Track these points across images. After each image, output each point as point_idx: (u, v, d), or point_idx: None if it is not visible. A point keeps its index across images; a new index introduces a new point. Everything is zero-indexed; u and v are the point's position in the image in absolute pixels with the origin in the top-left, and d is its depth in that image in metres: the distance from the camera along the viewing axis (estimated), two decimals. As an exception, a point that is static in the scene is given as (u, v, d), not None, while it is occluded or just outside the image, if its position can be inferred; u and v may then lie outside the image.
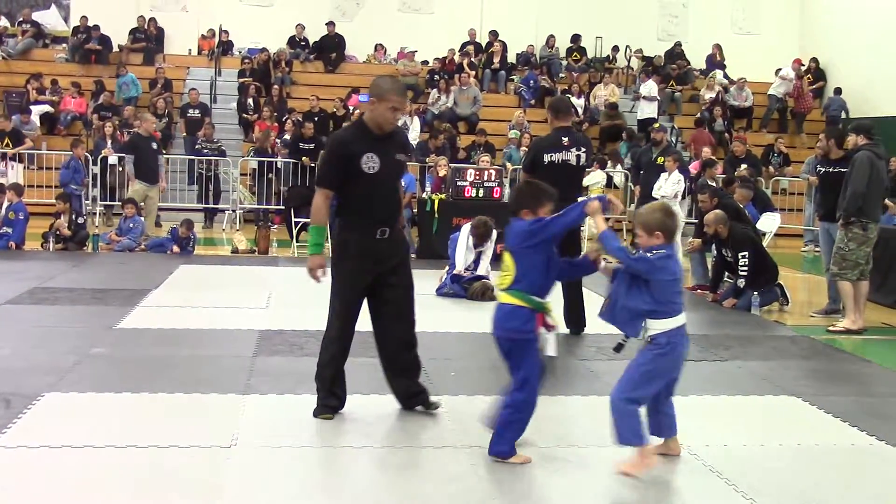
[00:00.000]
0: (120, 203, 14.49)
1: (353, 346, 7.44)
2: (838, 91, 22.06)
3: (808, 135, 21.13)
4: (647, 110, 20.72)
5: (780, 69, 22.15)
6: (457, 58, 22.00)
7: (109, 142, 16.61)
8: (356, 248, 5.48)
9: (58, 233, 12.70)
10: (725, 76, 22.48)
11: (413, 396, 5.75)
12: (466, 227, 10.32)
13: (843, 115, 21.26)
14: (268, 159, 17.00)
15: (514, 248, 4.88)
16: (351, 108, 19.66)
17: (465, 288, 9.85)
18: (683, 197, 13.21)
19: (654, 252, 4.66)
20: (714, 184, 12.49)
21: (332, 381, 5.63)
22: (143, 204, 13.65)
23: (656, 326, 4.70)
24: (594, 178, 15.87)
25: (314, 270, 5.53)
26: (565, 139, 8.06)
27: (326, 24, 22.56)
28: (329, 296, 5.62)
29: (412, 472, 4.79)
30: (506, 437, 4.88)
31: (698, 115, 20.76)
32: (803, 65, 22.77)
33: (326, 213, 5.64)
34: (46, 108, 19.16)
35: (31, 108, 18.77)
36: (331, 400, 5.62)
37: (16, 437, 5.00)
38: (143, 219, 13.71)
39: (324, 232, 5.70)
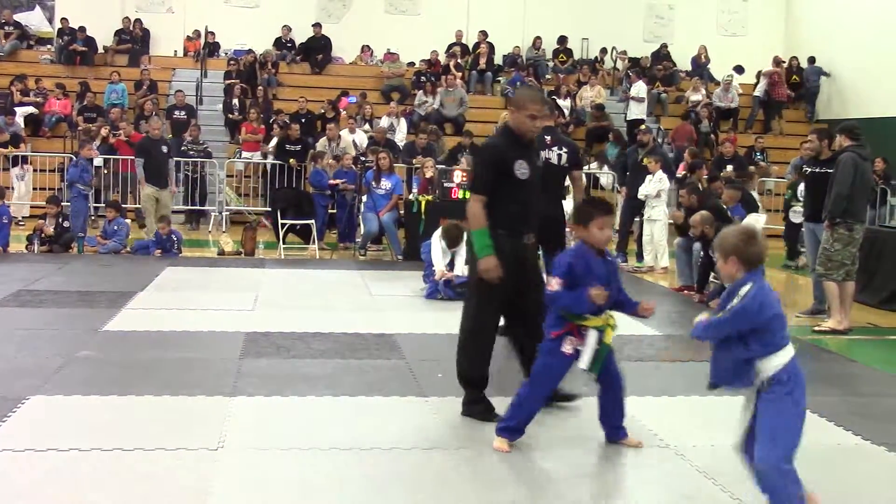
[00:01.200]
0: (104, 205, 14.44)
1: (333, 346, 7.46)
2: (812, 60, 22.40)
3: (789, 136, 21.20)
4: (636, 111, 20.78)
5: (759, 71, 22.23)
6: (443, 59, 22.01)
7: (96, 144, 16.54)
8: (512, 254, 5.58)
9: (42, 235, 12.64)
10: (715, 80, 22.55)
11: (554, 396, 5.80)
12: (438, 232, 10.32)
13: (820, 80, 22.09)
14: (255, 161, 17.00)
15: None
16: (341, 109, 19.64)
17: (459, 293, 9.80)
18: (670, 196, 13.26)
19: (740, 294, 4.14)
20: (700, 185, 12.50)
21: (480, 382, 5.85)
22: (147, 206, 13.65)
23: (772, 364, 4.17)
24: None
25: (490, 271, 5.53)
26: (547, 138, 8.09)
27: (313, 25, 22.55)
28: (467, 297, 5.92)
29: (401, 473, 4.78)
30: (507, 419, 5.16)
31: (684, 113, 20.87)
32: (783, 61, 22.84)
33: (485, 218, 5.66)
34: (31, 109, 19.07)
35: (16, 109, 18.68)
36: (483, 408, 5.77)
37: (1, 440, 4.98)
38: (127, 221, 13.67)
39: (488, 233, 5.67)
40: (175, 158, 15.33)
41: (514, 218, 5.63)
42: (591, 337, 5.04)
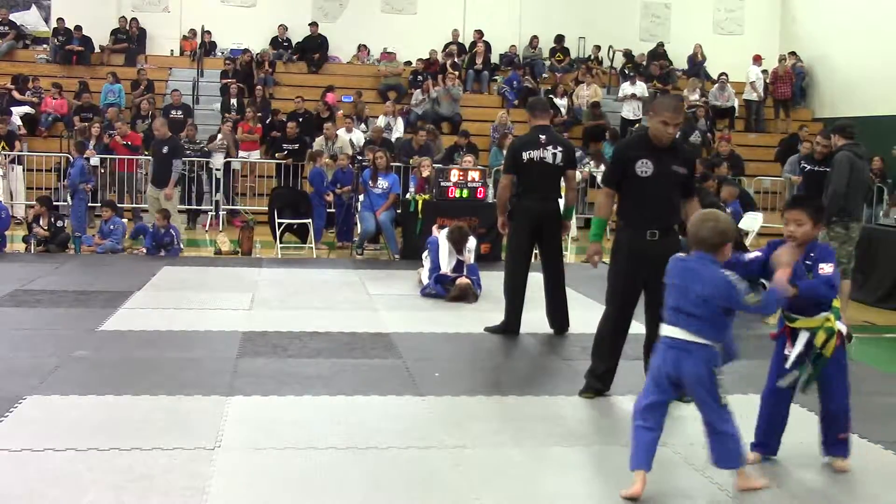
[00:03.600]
0: (101, 205, 14.44)
1: (330, 346, 7.47)
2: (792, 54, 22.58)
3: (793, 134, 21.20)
4: (635, 110, 20.79)
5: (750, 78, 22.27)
6: (440, 58, 22.00)
7: (92, 143, 16.52)
8: (627, 247, 6.16)
9: (37, 236, 12.62)
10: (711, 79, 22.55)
11: None
12: (444, 234, 10.30)
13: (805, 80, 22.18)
14: (252, 160, 17.02)
15: None
16: (332, 105, 19.61)
17: (447, 289, 9.81)
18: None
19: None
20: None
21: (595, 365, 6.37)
22: (149, 207, 13.65)
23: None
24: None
25: (592, 256, 6.59)
26: (542, 137, 8.10)
27: (310, 24, 22.52)
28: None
29: (398, 472, 4.78)
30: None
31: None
32: (786, 57, 22.89)
33: (609, 208, 6.42)
34: (26, 108, 19.04)
35: (12, 109, 18.66)
36: (595, 383, 6.31)
37: (-3, 440, 4.98)
38: (124, 221, 13.67)
39: (604, 224, 6.53)
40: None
41: (633, 212, 6.17)
42: (800, 340, 4.99)
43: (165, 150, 13.93)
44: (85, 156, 15.55)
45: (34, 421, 5.38)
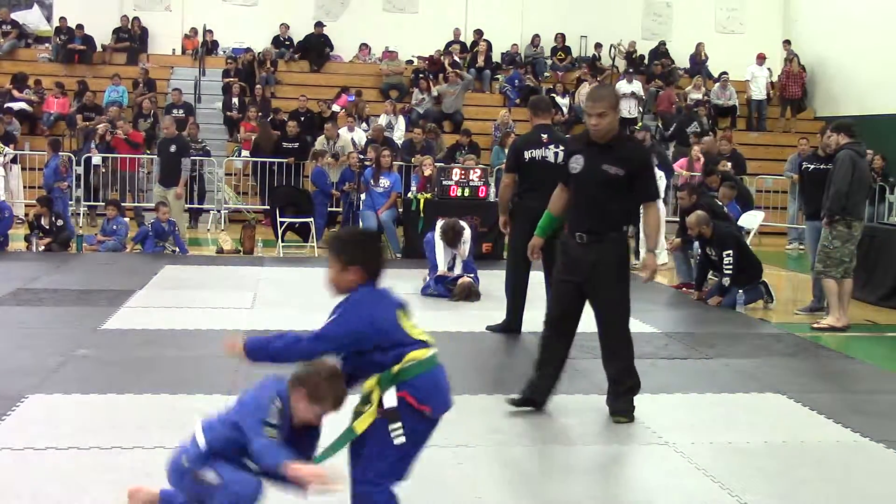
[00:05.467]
0: (103, 204, 14.47)
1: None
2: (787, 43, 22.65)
3: (796, 133, 21.19)
4: (633, 109, 20.79)
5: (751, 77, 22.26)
6: (443, 58, 21.98)
7: (94, 143, 16.54)
8: (563, 250, 5.85)
9: (39, 226, 12.62)
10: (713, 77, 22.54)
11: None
12: (438, 232, 10.30)
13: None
14: (254, 159, 17.03)
15: None
16: (338, 108, 19.63)
17: (449, 289, 9.84)
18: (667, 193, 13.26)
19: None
20: (714, 192, 12.37)
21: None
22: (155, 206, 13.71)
23: None
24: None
25: (529, 250, 6.39)
26: (544, 136, 8.10)
27: (315, 24, 22.47)
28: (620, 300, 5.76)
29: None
30: None
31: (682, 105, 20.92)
32: (794, 56, 22.94)
33: (557, 204, 5.99)
34: (22, 105, 19.02)
35: (10, 105, 18.66)
36: (526, 390, 5.90)
37: (1, 439, 4.98)
38: (126, 220, 13.68)
39: (552, 218, 6.11)
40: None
41: (569, 212, 5.91)
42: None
43: (173, 148, 13.92)
44: (87, 154, 15.62)
45: (36, 419, 5.39)
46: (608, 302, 5.70)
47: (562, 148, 8.12)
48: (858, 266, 9.30)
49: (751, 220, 12.97)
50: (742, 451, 5.22)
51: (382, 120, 18.76)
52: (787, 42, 23.23)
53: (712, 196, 11.64)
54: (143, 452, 4.81)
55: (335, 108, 19.51)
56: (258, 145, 17.25)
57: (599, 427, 5.61)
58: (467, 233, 10.17)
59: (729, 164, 15.65)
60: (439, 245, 10.15)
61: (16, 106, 18.88)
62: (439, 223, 10.36)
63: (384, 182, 13.61)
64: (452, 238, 10.03)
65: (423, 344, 3.76)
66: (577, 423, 5.72)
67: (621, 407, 5.71)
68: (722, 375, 6.96)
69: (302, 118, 18.41)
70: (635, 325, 8.67)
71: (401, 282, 10.75)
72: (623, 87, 20.94)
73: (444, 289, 9.85)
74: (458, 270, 10.05)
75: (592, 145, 5.64)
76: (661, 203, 13.00)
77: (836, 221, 8.89)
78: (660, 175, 12.87)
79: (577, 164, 5.67)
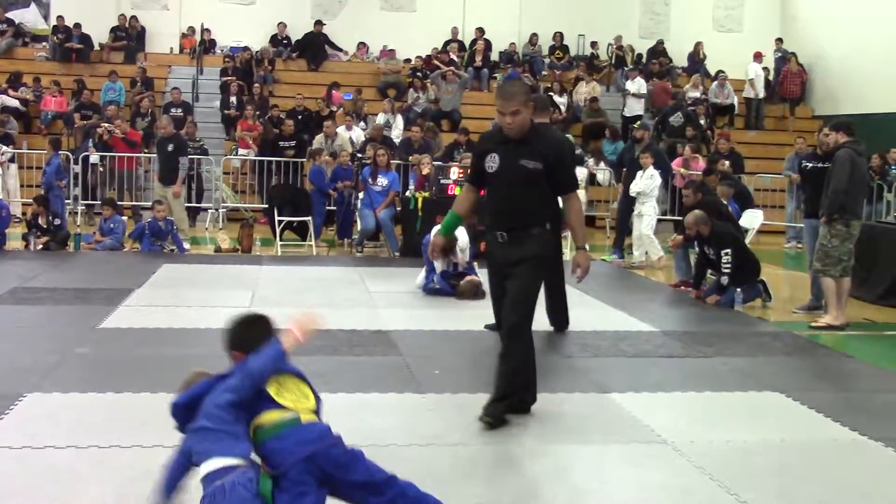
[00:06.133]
0: (101, 203, 14.47)
1: (330, 343, 7.46)
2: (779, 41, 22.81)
3: (794, 132, 21.21)
4: (634, 107, 20.84)
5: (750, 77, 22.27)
6: (434, 59, 21.99)
7: (93, 141, 16.54)
8: (490, 250, 5.68)
9: (38, 234, 12.60)
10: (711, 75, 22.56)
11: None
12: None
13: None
14: (252, 158, 17.04)
15: None
16: (335, 106, 19.62)
17: (453, 285, 9.83)
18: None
19: None
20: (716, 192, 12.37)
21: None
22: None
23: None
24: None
25: (430, 249, 6.27)
26: None
27: (315, 23, 22.47)
28: (526, 290, 5.50)
29: (396, 469, 4.77)
30: None
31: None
32: (779, 52, 22.98)
33: (464, 204, 5.92)
34: (14, 102, 19.00)
35: (6, 104, 18.66)
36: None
37: (-2, 437, 4.99)
38: (124, 219, 13.67)
39: (456, 218, 6.01)
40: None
41: (488, 211, 5.74)
42: None
43: (171, 147, 13.92)
44: (85, 153, 15.61)
45: (35, 418, 5.38)
46: (512, 293, 5.48)
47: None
48: (857, 265, 9.30)
49: (751, 220, 12.98)
50: (740, 450, 5.22)
51: (380, 119, 18.76)
52: (779, 40, 23.29)
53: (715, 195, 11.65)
54: (141, 451, 4.81)
55: (332, 107, 19.51)
56: (265, 142, 17.26)
57: (598, 425, 5.60)
58: (462, 240, 10.00)
59: (727, 162, 15.68)
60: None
61: (10, 103, 18.87)
62: (436, 228, 10.31)
63: (382, 181, 13.61)
64: (442, 255, 9.98)
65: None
66: (575, 422, 5.72)
67: (489, 409, 5.47)
68: (720, 374, 6.97)
69: (299, 117, 18.40)
70: (633, 324, 8.73)
71: (399, 280, 10.79)
72: (632, 86, 20.99)
73: (448, 285, 9.82)
74: (461, 268, 10.03)
75: (507, 142, 5.49)
76: (653, 201, 13.07)
77: (834, 220, 8.90)
78: (652, 174, 12.90)
79: (493, 162, 5.51)
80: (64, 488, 4.33)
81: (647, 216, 13.03)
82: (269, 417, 3.67)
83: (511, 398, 5.54)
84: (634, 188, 12.96)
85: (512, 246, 5.47)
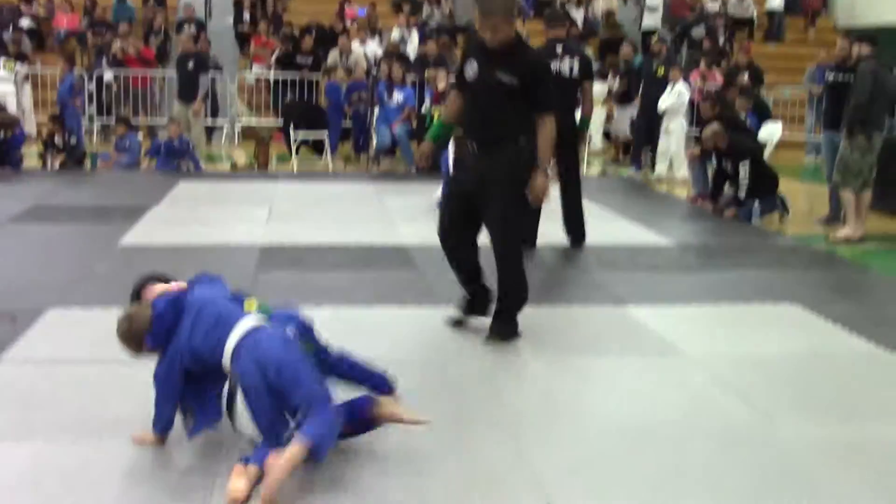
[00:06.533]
0: (115, 122, 14.44)
1: (347, 259, 7.47)
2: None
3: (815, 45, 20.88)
4: (650, 21, 20.49)
5: None
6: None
7: (105, 59, 16.44)
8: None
9: (55, 152, 12.60)
10: None
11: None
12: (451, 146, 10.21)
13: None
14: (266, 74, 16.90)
15: None
16: (349, 20, 19.40)
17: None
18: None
19: None
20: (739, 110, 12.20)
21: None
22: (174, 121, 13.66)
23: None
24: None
25: (418, 156, 6.19)
26: (559, 48, 8.01)
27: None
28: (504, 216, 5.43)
29: (416, 382, 4.83)
30: None
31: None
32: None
33: (451, 110, 5.74)
34: (27, 21, 18.84)
35: (20, 23, 18.51)
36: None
37: (22, 352, 5.05)
38: (139, 137, 13.64)
39: (444, 126, 6.03)
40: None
41: (464, 119, 5.64)
42: None
43: (191, 64, 13.82)
44: (98, 72, 15.53)
45: (57, 333, 5.45)
46: (491, 217, 5.43)
47: (577, 60, 8.04)
48: (876, 178, 9.23)
49: (770, 133, 12.85)
50: (757, 362, 5.24)
51: (395, 34, 18.54)
52: None
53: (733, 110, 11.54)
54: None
55: (348, 20, 19.28)
56: (285, 57, 17.08)
57: (614, 338, 5.63)
58: None
59: (746, 75, 15.48)
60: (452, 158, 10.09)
61: (24, 23, 18.72)
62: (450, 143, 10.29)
63: (397, 96, 13.52)
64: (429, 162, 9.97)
65: None
66: (591, 335, 5.75)
67: (493, 327, 5.50)
68: (737, 287, 6.97)
69: (313, 33, 18.20)
70: (650, 237, 8.73)
71: (416, 195, 10.78)
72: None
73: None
74: None
75: (487, 51, 5.33)
76: (681, 117, 12.91)
77: (856, 133, 8.81)
78: (681, 90, 12.75)
79: (471, 70, 5.40)
80: (88, 401, 4.39)
81: (675, 133, 12.92)
82: None
83: (513, 310, 5.55)
84: (662, 105, 12.83)
85: (483, 159, 5.38)
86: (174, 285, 4.21)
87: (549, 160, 5.54)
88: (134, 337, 3.88)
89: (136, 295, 4.25)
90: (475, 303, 5.69)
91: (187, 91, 13.78)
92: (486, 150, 5.37)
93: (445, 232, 5.60)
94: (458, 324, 5.70)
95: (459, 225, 5.55)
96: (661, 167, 13.12)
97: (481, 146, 5.40)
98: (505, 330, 5.49)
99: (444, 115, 5.88)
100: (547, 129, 5.35)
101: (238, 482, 3.44)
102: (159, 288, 4.21)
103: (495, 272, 5.55)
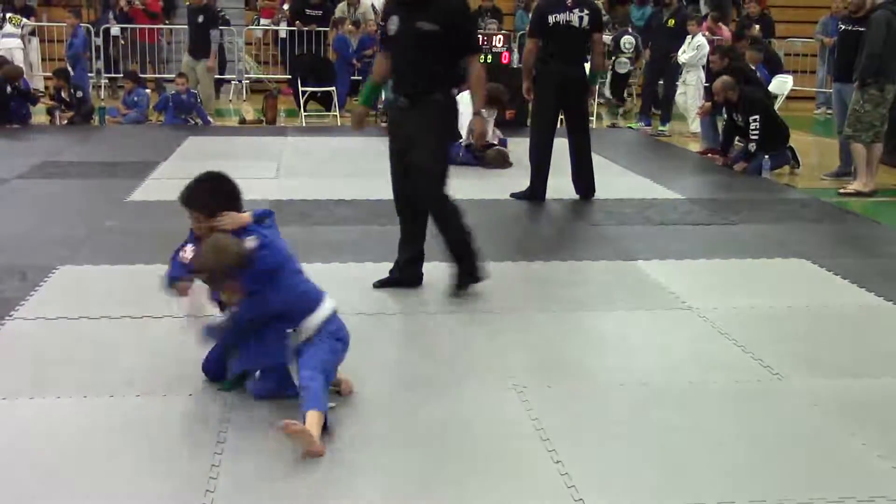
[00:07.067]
0: (122, 76, 14.41)
1: (355, 213, 7.47)
2: None
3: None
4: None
5: None
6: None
7: (112, 13, 16.34)
8: (390, 112, 5.64)
9: (63, 108, 12.57)
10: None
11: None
12: (466, 96, 10.17)
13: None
14: (274, 28, 16.78)
15: None
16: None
17: (478, 157, 9.81)
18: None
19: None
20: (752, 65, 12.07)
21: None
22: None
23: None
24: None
25: (354, 121, 6.10)
26: (569, 0, 7.94)
27: None
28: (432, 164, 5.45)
29: (425, 336, 4.86)
30: None
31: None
32: None
33: (381, 70, 5.69)
34: None
35: None
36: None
37: (34, 308, 5.08)
38: (147, 91, 13.60)
39: (375, 87, 5.98)
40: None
41: (391, 75, 5.58)
42: None
43: (201, 19, 13.74)
44: (105, 26, 15.44)
45: (67, 290, 5.47)
46: (417, 167, 5.43)
47: (587, 12, 7.98)
48: (888, 130, 9.16)
49: (781, 85, 12.76)
50: (765, 316, 5.25)
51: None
52: None
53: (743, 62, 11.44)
54: (173, 321, 4.87)
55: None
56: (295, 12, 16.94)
57: (623, 292, 5.64)
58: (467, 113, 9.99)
59: (757, 27, 15.33)
60: (465, 113, 10.05)
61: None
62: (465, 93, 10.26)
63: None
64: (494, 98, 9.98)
65: None
66: (600, 289, 5.76)
67: (455, 281, 5.51)
68: (746, 241, 6.96)
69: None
70: (659, 191, 8.71)
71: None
72: None
73: (473, 157, 9.80)
74: (491, 139, 10.00)
75: (407, 3, 5.30)
76: (699, 70, 12.79)
77: (868, 84, 8.73)
78: (700, 43, 12.62)
79: (392, 25, 5.36)
80: (99, 357, 4.42)
81: (692, 86, 12.81)
82: None
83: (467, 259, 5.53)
84: (682, 57, 12.70)
85: (412, 111, 5.37)
86: (247, 216, 4.13)
87: (483, 103, 5.60)
88: (223, 270, 3.84)
89: (209, 210, 4.20)
90: (401, 280, 5.66)
91: (198, 47, 13.70)
92: (416, 101, 5.35)
93: (398, 195, 5.67)
94: (387, 283, 5.63)
95: (403, 189, 5.61)
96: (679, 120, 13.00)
97: (412, 98, 5.37)
98: (462, 283, 5.49)
99: (375, 75, 5.80)
100: (477, 71, 5.39)
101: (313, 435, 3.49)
102: (241, 219, 4.11)
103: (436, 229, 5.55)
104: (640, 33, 16.08)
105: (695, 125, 12.72)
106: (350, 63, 14.43)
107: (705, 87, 12.33)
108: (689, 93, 12.84)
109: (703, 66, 12.82)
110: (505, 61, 12.98)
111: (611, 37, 15.38)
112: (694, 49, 12.62)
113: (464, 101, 10.14)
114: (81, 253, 6.22)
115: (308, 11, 16.62)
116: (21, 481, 3.28)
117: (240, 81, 16.58)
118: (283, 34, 16.66)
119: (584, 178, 8.34)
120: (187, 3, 14.78)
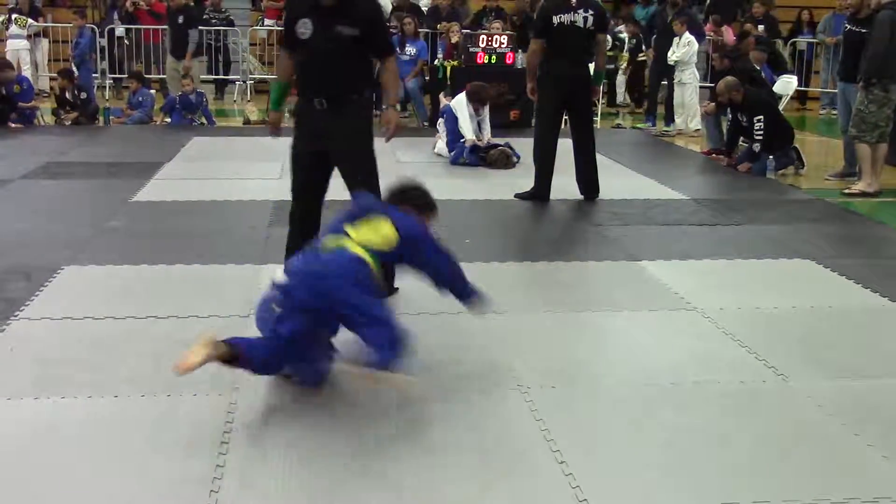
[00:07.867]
0: (127, 76, 14.43)
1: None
2: None
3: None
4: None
5: None
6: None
7: (117, 14, 16.36)
8: (298, 119, 5.54)
9: (68, 109, 12.59)
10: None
11: None
12: (463, 98, 10.22)
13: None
14: (278, 28, 16.76)
15: None
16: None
17: (483, 157, 9.84)
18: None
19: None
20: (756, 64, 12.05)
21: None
22: (169, 78, 13.58)
23: None
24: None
25: (269, 126, 6.03)
26: (574, 0, 7.94)
27: None
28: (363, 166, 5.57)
29: (430, 337, 4.85)
30: None
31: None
32: None
33: (285, 71, 5.69)
34: None
35: None
36: None
37: (38, 309, 5.08)
38: (152, 92, 13.62)
39: (282, 88, 5.85)
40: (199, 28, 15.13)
41: (300, 79, 5.53)
42: None
43: (181, 19, 13.80)
44: (110, 26, 15.46)
45: (72, 290, 5.48)
46: (350, 171, 5.47)
47: (591, 12, 7.98)
48: (893, 131, 9.15)
49: (785, 86, 12.74)
50: (769, 316, 5.24)
51: (408, -15, 18.36)
52: None
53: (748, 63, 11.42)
54: (177, 321, 4.90)
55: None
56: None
57: (628, 293, 5.63)
58: (463, 116, 10.20)
59: (761, 27, 15.31)
60: (463, 111, 10.09)
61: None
62: (443, 96, 10.36)
63: (410, 50, 13.44)
64: (484, 98, 10.07)
65: None
66: (604, 289, 5.76)
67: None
68: (750, 241, 6.95)
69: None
70: (664, 192, 8.71)
71: (428, 149, 10.75)
72: None
73: (477, 158, 9.84)
74: (485, 136, 10.06)
75: (319, 7, 5.24)
76: (693, 68, 12.80)
77: (872, 84, 8.71)
78: (689, 41, 12.62)
79: (305, 28, 5.28)
80: (103, 357, 4.42)
81: (688, 84, 12.81)
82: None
83: None
84: (672, 57, 12.71)
85: (331, 113, 5.33)
86: None
87: (397, 97, 5.83)
88: None
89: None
90: None
91: (178, 46, 13.77)
92: (334, 104, 5.34)
93: (300, 195, 5.62)
94: None
95: (311, 185, 5.57)
96: (679, 120, 13.01)
97: (331, 101, 5.34)
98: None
99: (280, 77, 5.82)
100: (392, 68, 5.53)
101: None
102: None
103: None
104: (644, 33, 16.11)
105: (695, 122, 12.73)
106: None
107: (710, 87, 12.32)
108: (686, 91, 12.84)
109: (695, 63, 12.84)
110: (509, 62, 12.98)
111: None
112: (684, 47, 12.61)
113: (460, 104, 10.22)
114: (86, 253, 6.23)
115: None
116: (25, 481, 3.28)
117: (244, 82, 16.59)
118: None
119: (588, 178, 8.35)
120: (168, 4, 14.79)
